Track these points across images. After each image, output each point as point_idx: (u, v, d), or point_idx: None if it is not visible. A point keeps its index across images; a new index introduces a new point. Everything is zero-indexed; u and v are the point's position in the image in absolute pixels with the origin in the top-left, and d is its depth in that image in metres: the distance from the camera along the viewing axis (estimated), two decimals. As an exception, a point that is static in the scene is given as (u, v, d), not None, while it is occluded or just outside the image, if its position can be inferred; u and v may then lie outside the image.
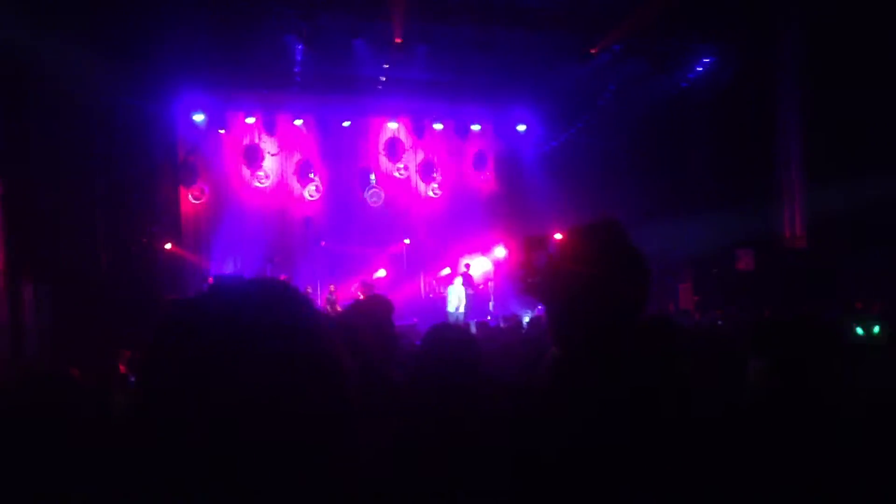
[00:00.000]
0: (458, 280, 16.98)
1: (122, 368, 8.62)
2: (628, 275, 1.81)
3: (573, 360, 1.83)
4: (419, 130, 18.43)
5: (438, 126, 18.73)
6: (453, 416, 2.47)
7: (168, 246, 15.58)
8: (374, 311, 3.25)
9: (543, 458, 1.67)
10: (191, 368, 0.90)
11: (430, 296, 17.03)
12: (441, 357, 2.70)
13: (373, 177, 18.21)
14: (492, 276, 18.22)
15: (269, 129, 17.20)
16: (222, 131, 16.84)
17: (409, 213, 18.39)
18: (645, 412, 1.67)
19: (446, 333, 2.84)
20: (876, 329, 7.01)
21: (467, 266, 17.65)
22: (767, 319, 3.41)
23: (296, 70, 15.18)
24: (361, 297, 11.96)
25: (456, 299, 16.65)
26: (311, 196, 17.77)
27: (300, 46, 14.36)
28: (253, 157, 17.15)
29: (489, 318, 15.26)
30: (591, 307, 1.78)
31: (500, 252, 18.54)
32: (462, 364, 2.68)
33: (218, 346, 0.91)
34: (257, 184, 17.33)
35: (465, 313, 16.29)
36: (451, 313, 16.43)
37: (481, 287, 17.69)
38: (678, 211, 16.38)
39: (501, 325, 10.74)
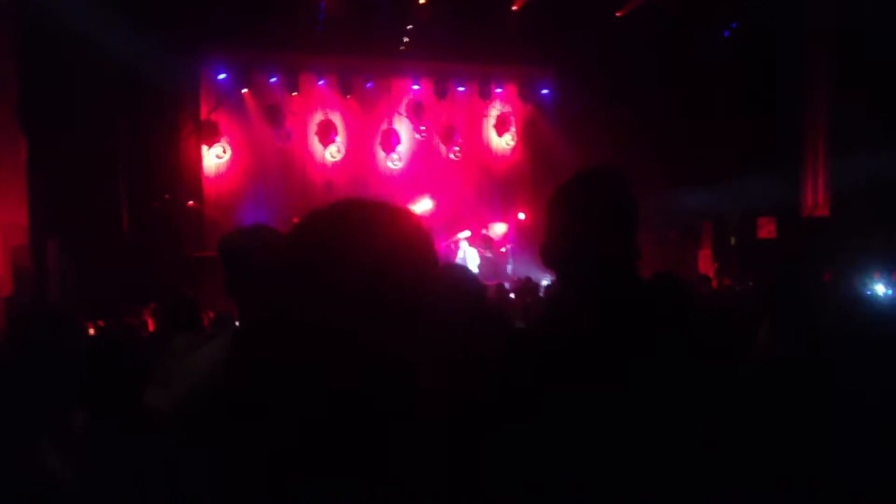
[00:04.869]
0: (465, 243, 16.99)
1: (150, 320, 8.76)
2: (613, 223, 1.84)
3: (568, 298, 1.87)
4: (441, 92, 18.30)
5: (461, 88, 18.60)
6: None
7: (190, 203, 15.70)
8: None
9: (533, 397, 1.71)
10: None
11: (448, 258, 16.98)
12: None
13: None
14: (510, 239, 18.18)
15: (292, 89, 17.16)
16: (245, 90, 16.84)
17: (430, 176, 18.33)
18: (644, 359, 1.71)
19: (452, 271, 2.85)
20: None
21: (486, 228, 17.61)
22: (769, 284, 3.46)
23: (318, 30, 15.15)
24: None
25: (470, 261, 16.67)
26: (332, 157, 17.75)
27: (323, 4, 14.31)
28: (275, 116, 17.14)
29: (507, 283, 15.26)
30: (574, 250, 1.82)
31: (520, 216, 18.47)
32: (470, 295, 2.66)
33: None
34: (279, 144, 17.32)
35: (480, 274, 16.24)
36: None
37: (503, 250, 17.67)
38: (700, 177, 16.24)
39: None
